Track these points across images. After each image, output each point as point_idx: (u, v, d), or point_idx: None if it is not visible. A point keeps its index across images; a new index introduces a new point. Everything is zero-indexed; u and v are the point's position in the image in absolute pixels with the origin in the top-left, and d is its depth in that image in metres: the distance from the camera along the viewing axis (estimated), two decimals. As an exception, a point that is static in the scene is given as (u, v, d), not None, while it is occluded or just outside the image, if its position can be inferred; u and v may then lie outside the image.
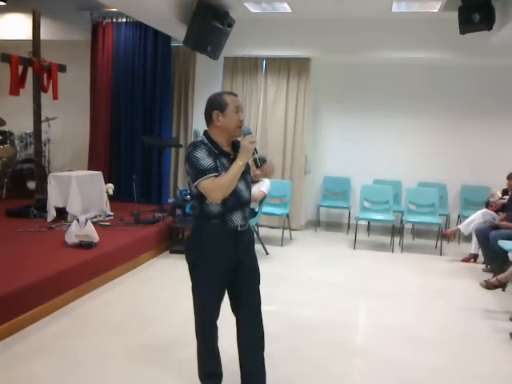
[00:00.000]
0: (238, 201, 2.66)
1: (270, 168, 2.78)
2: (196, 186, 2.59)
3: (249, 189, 2.79)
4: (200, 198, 2.63)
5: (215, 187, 2.53)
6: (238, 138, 2.75)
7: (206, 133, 2.71)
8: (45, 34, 7.20)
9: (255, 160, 2.74)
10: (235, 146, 2.74)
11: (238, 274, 2.76)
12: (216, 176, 2.55)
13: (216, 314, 2.80)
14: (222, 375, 2.90)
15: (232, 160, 2.64)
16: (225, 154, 2.67)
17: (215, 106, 2.64)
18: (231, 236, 2.68)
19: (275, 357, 3.51)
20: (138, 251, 5.75)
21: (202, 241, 2.68)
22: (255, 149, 2.66)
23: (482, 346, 3.92)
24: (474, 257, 6.47)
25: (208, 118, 2.68)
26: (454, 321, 4.44)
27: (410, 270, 6.06)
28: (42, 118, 7.23)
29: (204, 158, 2.56)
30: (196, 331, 2.85)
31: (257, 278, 2.85)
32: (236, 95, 2.74)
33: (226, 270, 2.71)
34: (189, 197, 6.68)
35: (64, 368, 3.24)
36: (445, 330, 4.22)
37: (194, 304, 2.80)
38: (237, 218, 2.68)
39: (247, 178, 2.77)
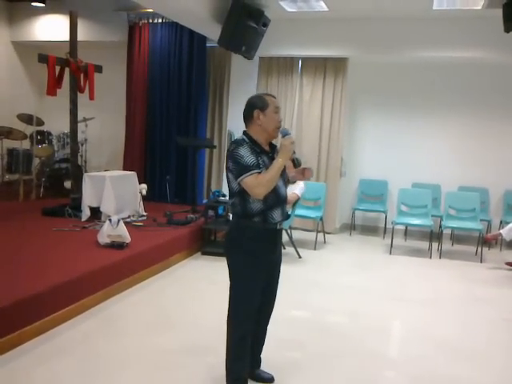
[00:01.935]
0: (277, 198, 2.76)
1: (311, 173, 2.83)
2: (239, 183, 2.66)
3: (286, 186, 2.90)
4: (242, 195, 2.70)
5: (258, 183, 2.61)
6: (274, 141, 2.87)
7: (245, 132, 2.79)
8: (82, 35, 7.32)
9: (294, 160, 2.82)
10: (272, 147, 2.84)
11: (270, 265, 2.87)
12: (259, 173, 2.63)
13: (254, 316, 2.82)
14: (247, 380, 2.94)
15: (272, 158, 2.74)
16: (265, 152, 2.77)
17: (256, 105, 2.74)
18: (271, 234, 2.78)
19: (303, 363, 3.45)
20: (170, 252, 5.73)
21: (244, 240, 2.74)
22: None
23: (525, 361, 3.70)
24: (519, 264, 6.20)
25: (248, 117, 2.77)
26: (497, 333, 4.21)
27: (449, 278, 5.82)
28: (80, 118, 7.34)
29: (248, 156, 2.64)
30: (230, 333, 2.84)
31: (279, 268, 2.99)
32: (275, 97, 2.83)
33: (266, 268, 2.79)
34: (222, 198, 6.64)
35: (85, 370, 3.21)
36: (486, 342, 4.00)
37: (232, 305, 2.81)
38: (277, 215, 2.76)
39: (284, 175, 2.87)
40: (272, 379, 3.11)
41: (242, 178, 2.63)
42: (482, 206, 7.21)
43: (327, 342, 3.83)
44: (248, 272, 2.73)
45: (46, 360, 3.31)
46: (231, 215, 2.87)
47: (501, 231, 6.44)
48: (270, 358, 3.19)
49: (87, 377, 3.13)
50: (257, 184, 2.61)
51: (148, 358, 3.42)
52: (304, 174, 2.96)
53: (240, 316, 2.80)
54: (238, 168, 2.64)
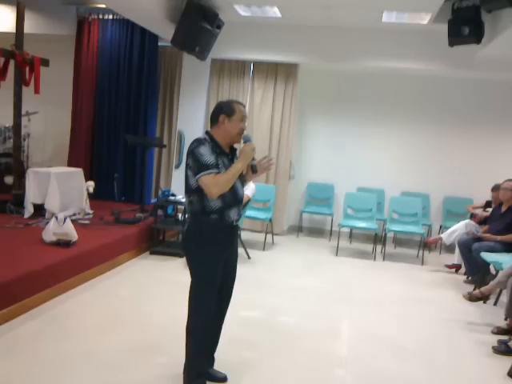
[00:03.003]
0: (235, 197, 2.84)
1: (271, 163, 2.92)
2: (197, 180, 2.71)
3: (243, 186, 2.97)
4: (201, 192, 2.75)
5: (215, 183, 2.68)
6: (236, 145, 2.93)
7: (208, 133, 2.85)
8: (29, 27, 7.08)
9: (252, 166, 2.94)
10: (233, 150, 2.91)
11: (228, 262, 2.94)
12: (217, 173, 2.70)
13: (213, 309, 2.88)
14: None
15: (231, 160, 2.82)
16: (225, 153, 2.84)
17: (224, 109, 2.83)
18: (228, 230, 2.87)
19: (255, 363, 3.47)
20: (118, 251, 5.62)
21: (203, 235, 2.78)
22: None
23: (464, 359, 3.87)
24: (457, 267, 6.48)
25: (214, 119, 2.85)
26: (436, 332, 4.40)
27: (392, 279, 6.04)
28: (23, 112, 7.06)
29: (207, 155, 2.71)
30: (192, 330, 2.86)
31: (236, 266, 3.07)
32: (244, 106, 2.91)
33: (223, 262, 2.85)
34: (172, 197, 6.57)
35: (31, 371, 3.10)
36: (427, 341, 4.17)
37: (194, 300, 2.84)
38: (233, 214, 2.84)
39: (242, 177, 2.95)
40: (225, 379, 3.12)
41: (199, 175, 2.69)
42: (423, 211, 7.52)
43: (278, 342, 3.88)
44: (208, 267, 2.78)
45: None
46: (188, 214, 2.89)
47: (441, 235, 6.72)
48: (222, 358, 3.20)
49: (33, 378, 3.03)
50: (213, 183, 2.67)
51: (96, 358, 3.34)
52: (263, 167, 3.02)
53: (202, 312, 2.83)
54: (197, 165, 2.70)
